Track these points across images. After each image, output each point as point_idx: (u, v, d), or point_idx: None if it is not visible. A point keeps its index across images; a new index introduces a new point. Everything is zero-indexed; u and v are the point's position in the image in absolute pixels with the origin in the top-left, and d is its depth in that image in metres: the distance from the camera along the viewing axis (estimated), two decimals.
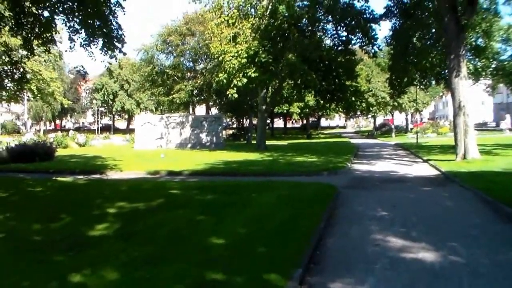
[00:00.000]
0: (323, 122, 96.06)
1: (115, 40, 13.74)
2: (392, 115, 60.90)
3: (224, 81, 26.41)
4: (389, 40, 27.35)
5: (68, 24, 13.43)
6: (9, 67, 18.42)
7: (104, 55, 13.85)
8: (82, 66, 18.77)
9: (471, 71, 26.19)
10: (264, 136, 32.92)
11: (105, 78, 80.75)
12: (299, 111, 54.42)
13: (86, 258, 5.54)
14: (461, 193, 10.88)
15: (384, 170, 16.56)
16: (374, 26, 27.47)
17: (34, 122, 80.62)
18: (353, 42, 28.78)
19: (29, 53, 15.20)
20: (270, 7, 26.83)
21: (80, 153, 27.99)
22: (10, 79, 19.81)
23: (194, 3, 28.85)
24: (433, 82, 33.11)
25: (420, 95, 48.71)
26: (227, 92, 27.20)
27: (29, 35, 14.01)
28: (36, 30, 13.83)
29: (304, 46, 26.65)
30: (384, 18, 26.20)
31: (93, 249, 5.99)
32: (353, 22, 27.10)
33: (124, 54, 15.09)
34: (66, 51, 36.56)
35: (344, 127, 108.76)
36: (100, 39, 13.24)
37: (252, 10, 28.13)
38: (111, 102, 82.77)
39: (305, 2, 27.97)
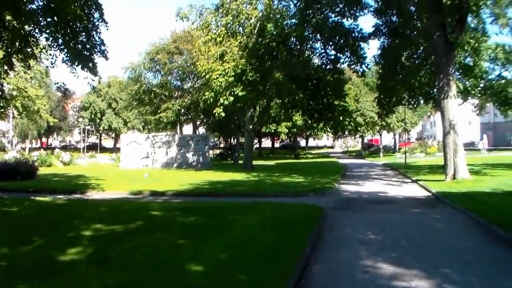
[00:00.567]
0: (311, 142, 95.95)
1: (99, 55, 13.44)
2: (380, 135, 61.08)
3: (211, 99, 26.14)
4: (377, 59, 27.45)
5: (50, 39, 13.11)
6: None
7: (86, 71, 13.50)
8: (63, 83, 18.18)
9: (460, 90, 26.34)
10: (251, 156, 32.60)
11: (93, 96, 79.87)
12: (287, 130, 54.24)
13: (53, 287, 5.12)
14: (452, 215, 10.66)
15: (373, 191, 16.32)
16: (362, 45, 27.57)
17: (20, 140, 79.47)
18: (341, 61, 28.72)
19: (8, 69, 14.81)
20: (258, 25, 26.81)
21: (63, 172, 27.42)
22: None
23: (181, 20, 28.63)
24: (422, 102, 33.25)
25: (408, 114, 49.05)
26: (214, 111, 26.91)
27: (9, 50, 13.65)
28: (17, 44, 13.47)
29: (292, 64, 26.53)
30: (372, 37, 26.38)
31: (61, 275, 5.57)
32: (342, 41, 27.08)
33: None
34: (47, 66, 36.18)
35: (332, 147, 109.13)
36: (80, 57, 12.89)
37: (240, 28, 28.02)
38: (98, 121, 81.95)
39: (293, 21, 27.95)
